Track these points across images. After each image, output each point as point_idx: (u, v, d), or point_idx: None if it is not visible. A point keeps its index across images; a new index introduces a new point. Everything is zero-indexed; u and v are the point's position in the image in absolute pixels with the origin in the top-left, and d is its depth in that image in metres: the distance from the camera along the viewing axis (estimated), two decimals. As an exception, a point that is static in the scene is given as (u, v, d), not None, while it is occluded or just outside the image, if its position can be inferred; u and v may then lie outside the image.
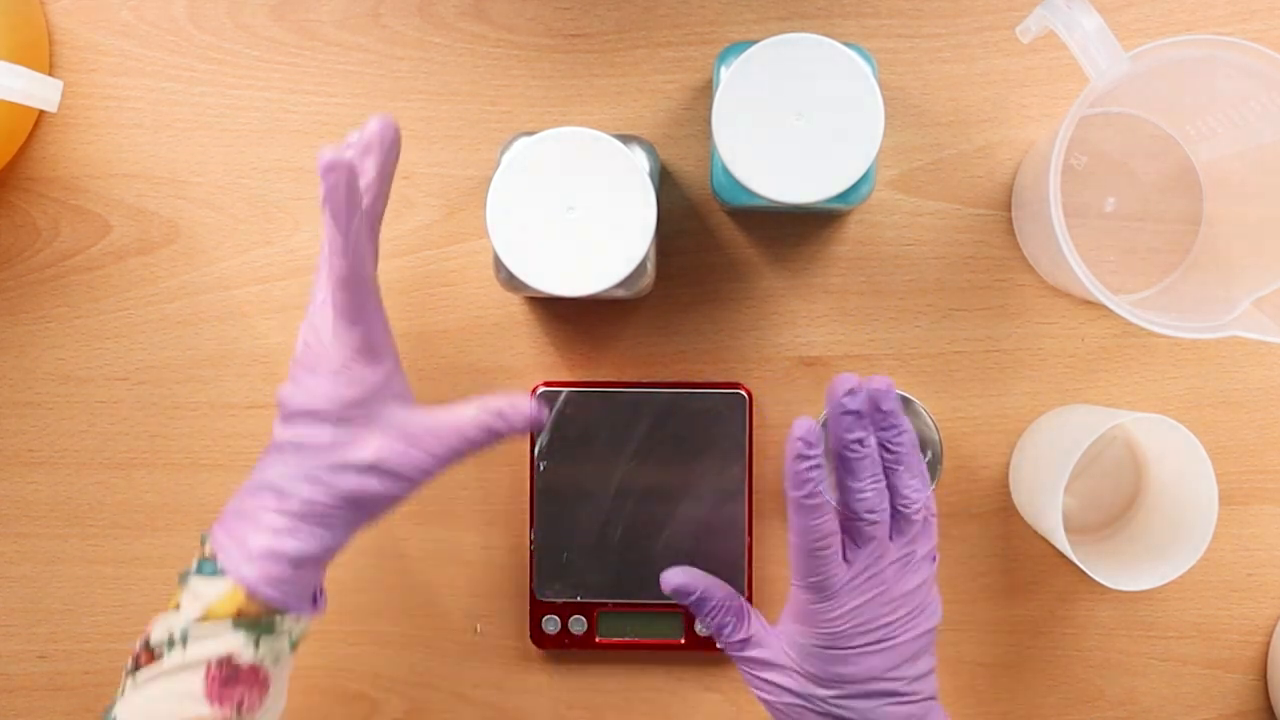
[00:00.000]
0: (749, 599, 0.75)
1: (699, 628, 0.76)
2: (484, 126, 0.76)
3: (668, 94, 0.76)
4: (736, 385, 0.76)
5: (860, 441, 0.59)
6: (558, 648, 0.77)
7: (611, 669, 0.78)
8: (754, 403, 0.76)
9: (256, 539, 0.60)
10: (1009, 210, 0.76)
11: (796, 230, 0.77)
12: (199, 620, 0.60)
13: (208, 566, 0.61)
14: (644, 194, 0.64)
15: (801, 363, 0.77)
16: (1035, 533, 0.77)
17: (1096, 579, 0.67)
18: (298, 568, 0.61)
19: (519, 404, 0.62)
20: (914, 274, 0.76)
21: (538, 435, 0.71)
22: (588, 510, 0.76)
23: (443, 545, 0.78)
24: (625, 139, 0.68)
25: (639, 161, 0.66)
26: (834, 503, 0.61)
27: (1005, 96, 0.76)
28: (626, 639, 0.76)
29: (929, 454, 0.75)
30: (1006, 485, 0.77)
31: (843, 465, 0.61)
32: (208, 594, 0.60)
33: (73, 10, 0.77)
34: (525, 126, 0.76)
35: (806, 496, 0.59)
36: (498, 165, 0.67)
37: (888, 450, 0.61)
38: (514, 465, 0.77)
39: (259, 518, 0.61)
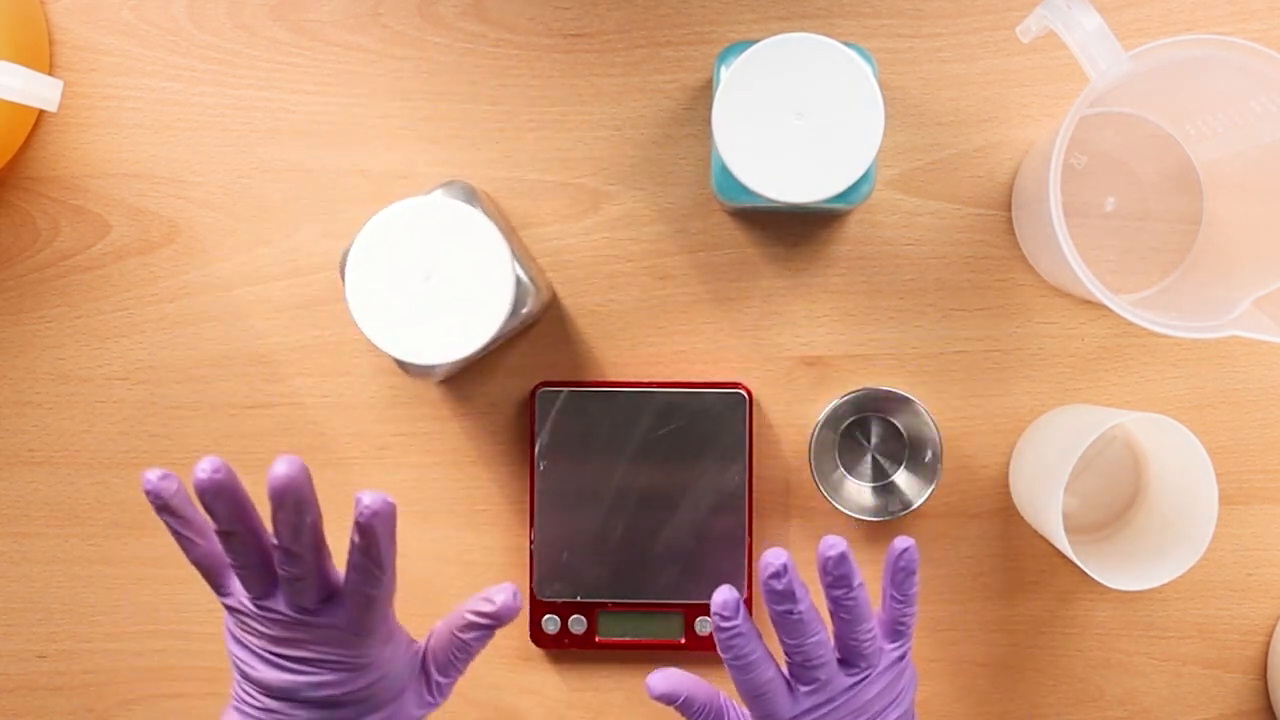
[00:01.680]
0: (748, 600, 0.76)
1: (699, 628, 0.76)
2: (484, 126, 0.77)
3: (668, 94, 0.76)
4: (736, 385, 0.76)
5: (788, 611, 0.62)
6: (557, 647, 0.77)
7: (611, 669, 0.78)
8: (754, 403, 0.76)
9: None
10: (1009, 210, 0.76)
11: (796, 230, 0.77)
12: None
13: None
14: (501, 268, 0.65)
15: (801, 363, 0.77)
16: (1035, 533, 0.77)
17: (1096, 579, 0.67)
18: None
19: (495, 596, 0.62)
20: (914, 274, 0.76)
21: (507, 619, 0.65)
22: (588, 510, 0.76)
23: (443, 545, 0.78)
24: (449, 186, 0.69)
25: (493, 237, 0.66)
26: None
27: (1005, 96, 0.76)
28: (626, 639, 0.76)
29: (929, 453, 0.75)
30: (1006, 485, 0.77)
31: (775, 625, 0.63)
32: None
33: (73, 10, 0.77)
34: (526, 126, 0.76)
35: (734, 659, 0.62)
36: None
37: (838, 605, 0.63)
38: (514, 465, 0.77)
39: None
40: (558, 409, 0.76)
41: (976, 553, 0.77)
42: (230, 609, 0.60)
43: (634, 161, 0.76)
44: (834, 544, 0.62)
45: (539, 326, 0.77)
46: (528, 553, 0.77)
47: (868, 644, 0.63)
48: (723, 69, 0.69)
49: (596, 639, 0.76)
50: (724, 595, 0.62)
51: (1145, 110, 0.75)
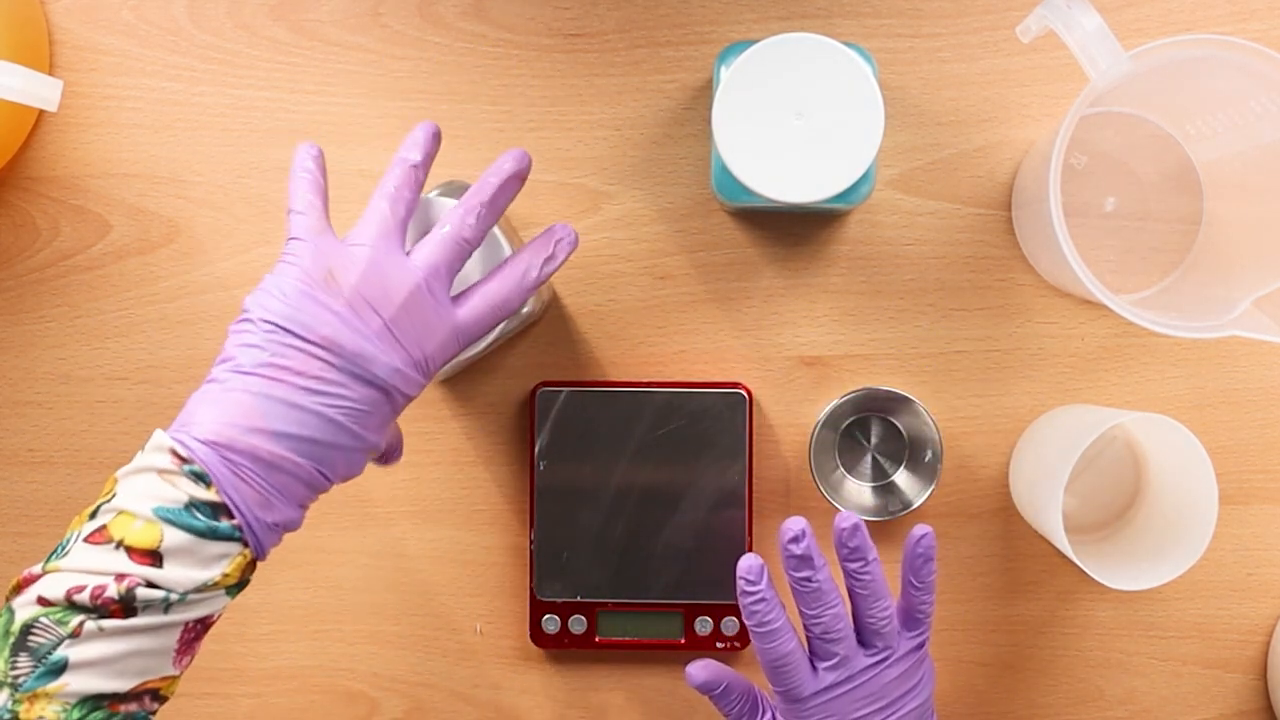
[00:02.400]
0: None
1: (699, 628, 0.76)
2: (484, 126, 0.77)
3: (668, 94, 0.76)
4: (736, 385, 0.76)
5: (808, 579, 0.63)
6: (558, 647, 0.77)
7: (611, 669, 0.78)
8: (754, 403, 0.76)
9: (286, 511, 0.56)
10: (1009, 210, 0.76)
11: (796, 230, 0.77)
12: (205, 587, 0.54)
13: (225, 528, 0.54)
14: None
15: (801, 363, 0.77)
16: (1035, 533, 0.77)
17: (1096, 579, 0.67)
18: None
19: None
20: (914, 274, 0.76)
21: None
22: (588, 510, 0.76)
23: (443, 545, 0.78)
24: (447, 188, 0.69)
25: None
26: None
27: (1005, 96, 0.76)
28: (626, 639, 0.76)
29: (929, 453, 0.75)
30: (1006, 485, 0.77)
31: (795, 596, 0.64)
32: (215, 564, 0.54)
33: (73, 10, 0.77)
34: (526, 126, 0.76)
35: (757, 625, 0.64)
36: None
37: (854, 579, 0.64)
38: (514, 465, 0.77)
39: (290, 487, 0.56)
40: (558, 409, 0.76)
41: (976, 553, 0.77)
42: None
43: (634, 161, 0.76)
44: (848, 516, 0.64)
45: (539, 326, 0.77)
46: (528, 553, 0.77)
47: (885, 623, 0.64)
48: (723, 69, 0.69)
49: (596, 639, 0.76)
50: (749, 560, 0.64)
51: (1145, 110, 0.75)
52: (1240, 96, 0.66)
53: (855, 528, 0.63)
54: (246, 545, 0.55)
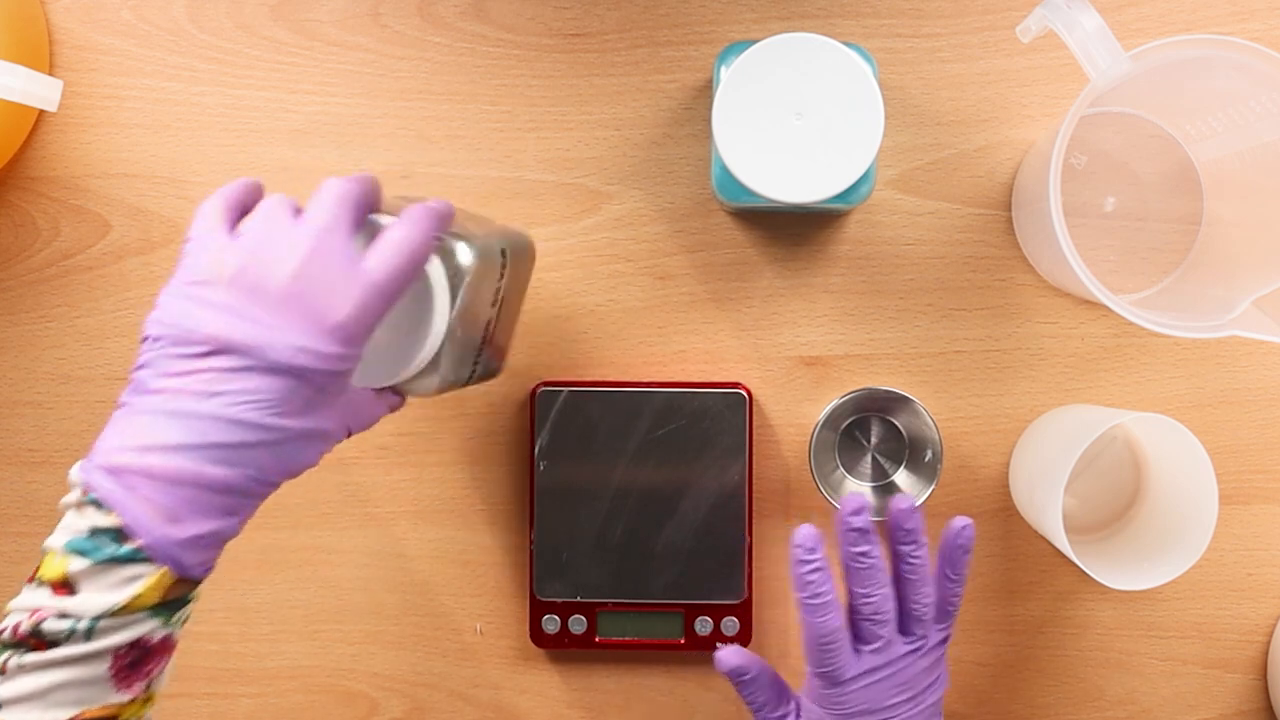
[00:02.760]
0: (749, 599, 0.75)
1: (699, 628, 0.76)
2: (484, 126, 0.77)
3: (668, 94, 0.76)
4: (736, 385, 0.76)
5: (864, 554, 0.64)
6: (558, 647, 0.77)
7: (611, 669, 0.78)
8: (754, 403, 0.76)
9: (203, 523, 0.53)
10: (1009, 210, 0.76)
11: (796, 230, 0.77)
12: (116, 613, 0.52)
13: (125, 551, 0.52)
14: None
15: (801, 363, 0.77)
16: (1035, 533, 0.77)
17: (1096, 579, 0.67)
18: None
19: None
20: (914, 274, 0.76)
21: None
22: (588, 510, 0.76)
23: (443, 545, 0.78)
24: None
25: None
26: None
27: (1005, 96, 0.76)
28: (626, 639, 0.76)
29: (929, 453, 0.75)
30: (1006, 485, 0.77)
31: (848, 573, 0.64)
32: (125, 586, 0.53)
33: (73, 10, 0.77)
34: (526, 126, 0.77)
35: (810, 597, 0.64)
36: None
37: (905, 563, 0.65)
38: (514, 465, 0.78)
39: (201, 498, 0.53)
40: (558, 409, 0.76)
41: (976, 553, 0.77)
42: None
43: (634, 161, 0.76)
44: (905, 498, 0.64)
45: (539, 326, 0.77)
46: (528, 553, 0.77)
47: (926, 610, 0.65)
48: (723, 69, 0.69)
49: (596, 639, 0.76)
50: (806, 529, 0.64)
51: (1145, 110, 0.75)
52: (1240, 96, 0.66)
53: (913, 510, 0.64)
54: (161, 565, 0.53)
